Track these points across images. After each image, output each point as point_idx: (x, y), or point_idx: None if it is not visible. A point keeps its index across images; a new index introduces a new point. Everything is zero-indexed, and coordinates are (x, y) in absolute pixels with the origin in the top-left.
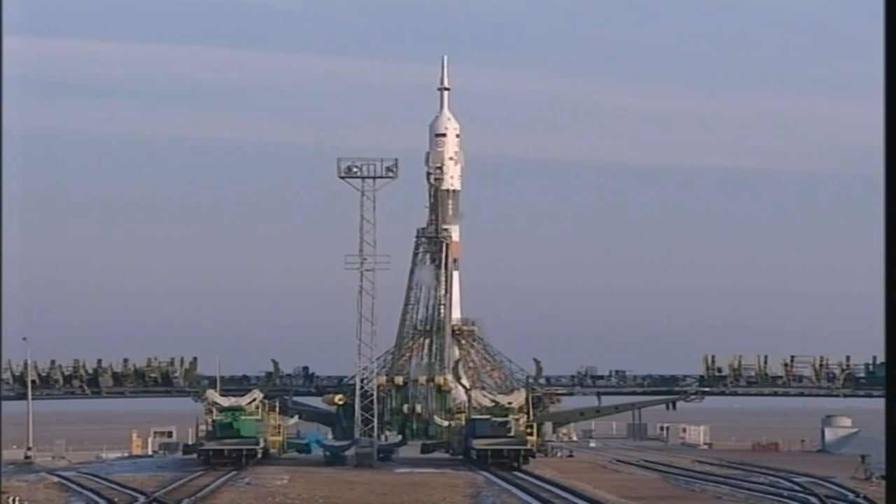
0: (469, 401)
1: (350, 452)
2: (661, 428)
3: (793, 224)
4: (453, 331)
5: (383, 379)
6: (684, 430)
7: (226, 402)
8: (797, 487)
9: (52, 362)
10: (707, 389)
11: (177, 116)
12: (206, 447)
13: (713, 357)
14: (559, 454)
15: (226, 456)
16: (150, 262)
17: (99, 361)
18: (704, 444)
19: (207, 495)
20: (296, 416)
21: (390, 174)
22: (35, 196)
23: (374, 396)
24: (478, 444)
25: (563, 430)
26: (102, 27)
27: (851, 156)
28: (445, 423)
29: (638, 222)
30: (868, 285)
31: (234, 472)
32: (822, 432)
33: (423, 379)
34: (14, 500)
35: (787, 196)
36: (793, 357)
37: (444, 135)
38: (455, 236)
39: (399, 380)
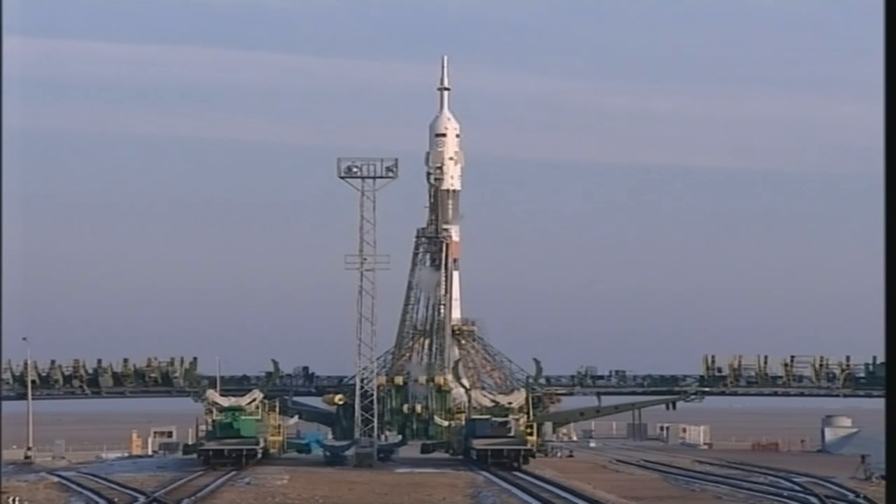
0: (469, 401)
1: (350, 452)
2: (661, 428)
3: (793, 224)
4: (453, 331)
5: (383, 379)
6: (684, 430)
7: (226, 402)
8: (797, 487)
9: (52, 362)
10: (707, 389)
11: (177, 116)
12: (206, 447)
13: (713, 357)
14: (559, 454)
15: (226, 456)
16: (150, 262)
17: (99, 361)
18: (704, 444)
19: (207, 495)
20: (296, 416)
21: (390, 174)
22: (35, 196)
23: (374, 396)
24: (478, 444)
25: (563, 430)
26: (102, 27)
27: (851, 156)
28: (445, 423)
29: (638, 222)
30: (868, 285)
31: (234, 472)
32: (822, 432)
33: (423, 379)
34: (14, 500)
35: (787, 196)
36: (793, 357)
37: (444, 135)
38: (455, 236)
39: (399, 380)
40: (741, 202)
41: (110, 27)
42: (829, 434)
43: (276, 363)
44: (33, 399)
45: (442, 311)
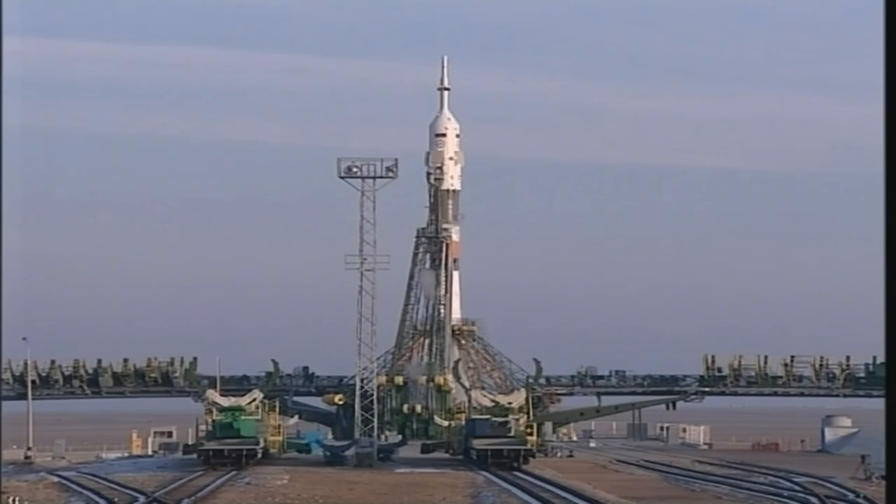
0: (469, 401)
1: (350, 452)
2: (661, 428)
3: (793, 224)
4: (453, 331)
5: (383, 379)
6: (684, 430)
7: (226, 402)
8: (797, 487)
9: (52, 362)
10: (707, 389)
11: (177, 116)
12: (206, 447)
13: (713, 357)
14: (559, 454)
15: (226, 456)
16: (150, 262)
17: (99, 361)
18: (704, 444)
19: (207, 495)
20: (296, 416)
21: (390, 174)
22: (35, 196)
23: (374, 396)
24: (478, 444)
25: (563, 430)
26: (102, 27)
27: (851, 156)
28: (445, 423)
29: (638, 222)
30: (868, 285)
31: (234, 472)
32: (822, 432)
33: (423, 379)
34: (14, 500)
35: (787, 196)
36: (793, 357)
37: (444, 135)
38: (455, 236)
39: (399, 380)
40: (741, 202)
41: (111, 27)
42: (829, 434)
43: (276, 363)
44: (33, 399)
45: (442, 311)
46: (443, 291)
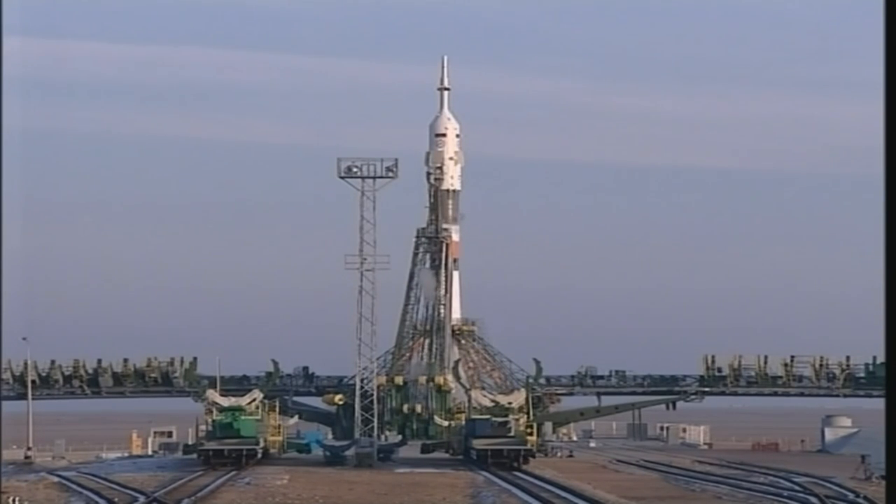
0: (469, 401)
1: (350, 452)
2: (661, 428)
3: (793, 224)
4: (453, 331)
5: (383, 379)
6: (684, 430)
7: (226, 402)
8: (797, 487)
9: (52, 362)
10: (707, 389)
11: (177, 116)
12: (206, 447)
13: (713, 357)
14: (559, 454)
15: (226, 456)
16: (150, 262)
17: (99, 361)
18: (704, 444)
19: (207, 495)
20: (296, 416)
21: (390, 174)
22: (35, 196)
23: (374, 396)
24: (478, 444)
25: (563, 430)
26: (102, 27)
27: (851, 156)
28: (445, 423)
29: (638, 222)
30: (868, 285)
31: (234, 472)
32: (822, 432)
33: (423, 379)
34: (14, 500)
35: (787, 196)
36: (793, 357)
37: (444, 135)
38: (455, 236)
39: (399, 380)
40: (741, 202)
41: (111, 27)
42: (829, 434)
43: (276, 363)
44: (33, 399)
45: (442, 311)
46: (443, 291)
